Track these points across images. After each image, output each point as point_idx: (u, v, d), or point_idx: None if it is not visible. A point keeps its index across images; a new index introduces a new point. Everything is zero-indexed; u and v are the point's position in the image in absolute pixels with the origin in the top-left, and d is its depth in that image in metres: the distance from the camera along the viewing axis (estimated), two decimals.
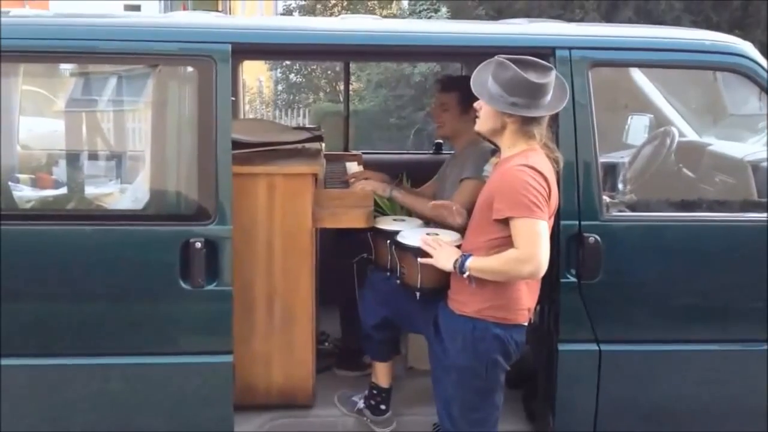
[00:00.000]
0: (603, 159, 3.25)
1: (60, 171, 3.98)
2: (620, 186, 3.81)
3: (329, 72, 13.52)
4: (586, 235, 3.05)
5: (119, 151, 4.17)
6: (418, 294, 3.01)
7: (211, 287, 2.98)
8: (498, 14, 9.52)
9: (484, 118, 2.83)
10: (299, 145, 3.84)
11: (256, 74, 14.62)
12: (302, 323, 3.34)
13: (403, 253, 3.05)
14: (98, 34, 3.05)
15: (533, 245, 2.67)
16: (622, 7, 9.38)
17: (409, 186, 3.80)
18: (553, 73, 2.77)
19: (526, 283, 2.83)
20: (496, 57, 2.78)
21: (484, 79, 2.79)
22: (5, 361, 2.93)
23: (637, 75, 4.54)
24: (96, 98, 4.19)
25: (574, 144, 3.06)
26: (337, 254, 3.80)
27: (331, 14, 12.76)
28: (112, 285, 2.99)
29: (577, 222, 3.06)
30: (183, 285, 2.96)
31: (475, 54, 3.45)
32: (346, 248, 3.65)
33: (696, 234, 3.17)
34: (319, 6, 13.39)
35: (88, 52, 3.07)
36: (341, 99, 9.60)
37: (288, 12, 14.03)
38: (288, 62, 13.31)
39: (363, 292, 3.37)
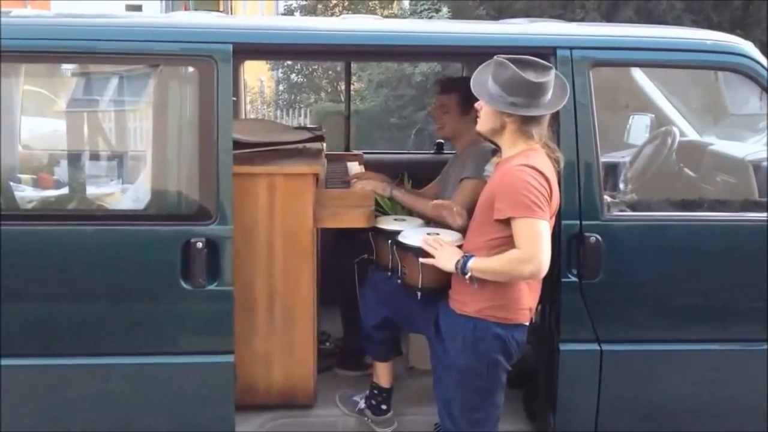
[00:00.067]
0: (604, 159, 3.25)
1: (61, 171, 3.99)
2: (621, 186, 3.81)
3: (330, 72, 13.52)
4: (587, 234, 3.05)
5: (120, 151, 4.17)
6: (419, 294, 3.02)
7: (212, 287, 2.98)
8: (499, 14, 9.52)
9: (484, 118, 2.83)
10: (300, 145, 3.84)
11: (257, 74, 14.63)
12: (303, 323, 3.34)
13: (404, 253, 3.05)
14: (99, 34, 3.05)
15: (534, 245, 2.67)
16: (623, 6, 9.38)
17: (410, 186, 3.80)
18: (553, 72, 2.77)
19: (527, 283, 2.83)
20: (495, 57, 2.78)
21: (484, 80, 2.79)
22: (6, 361, 2.93)
23: (638, 75, 4.54)
24: (97, 98, 4.19)
25: (575, 144, 3.06)
26: (338, 254, 3.80)
27: (332, 14, 12.75)
28: (113, 285, 2.99)
29: (578, 222, 3.06)
30: (184, 285, 2.97)
31: (476, 54, 3.46)
32: (347, 248, 3.65)
33: (697, 234, 3.17)
34: (320, 6, 13.38)
35: (89, 52, 3.07)
36: (342, 99, 9.60)
37: (289, 12, 14.03)
38: (289, 62, 13.31)
39: (364, 292, 3.37)
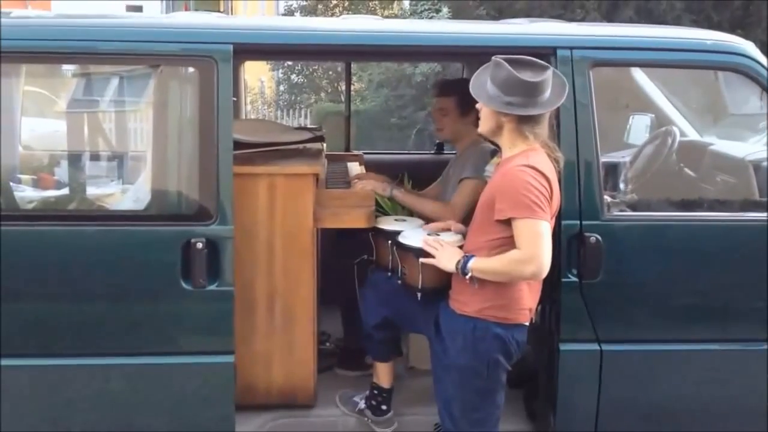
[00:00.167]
0: (604, 159, 3.24)
1: (62, 171, 3.99)
2: (621, 186, 3.80)
3: (331, 72, 13.53)
4: (587, 234, 3.05)
5: (121, 152, 4.17)
6: (419, 294, 3.02)
7: (212, 287, 2.99)
8: (499, 14, 9.53)
9: (483, 119, 2.84)
10: (300, 146, 3.84)
11: (257, 74, 14.64)
12: (303, 323, 3.34)
13: (405, 254, 3.05)
14: (100, 34, 3.06)
15: (535, 246, 2.67)
16: (623, 6, 9.38)
17: (411, 186, 3.80)
18: (549, 71, 2.77)
19: (528, 283, 2.83)
20: (493, 57, 2.78)
21: (483, 81, 2.80)
22: (6, 361, 2.94)
23: (639, 75, 4.54)
24: (97, 99, 4.19)
25: (575, 144, 3.06)
26: (339, 254, 3.80)
27: (333, 14, 12.76)
28: (113, 285, 2.99)
29: (578, 222, 3.06)
30: (184, 285, 2.97)
31: (476, 54, 3.46)
32: (347, 248, 3.65)
33: (697, 234, 3.17)
34: (320, 6, 13.39)
35: (89, 52, 3.08)
36: (342, 99, 9.60)
37: (289, 12, 14.04)
38: (290, 63, 13.32)
39: (364, 292, 3.37)
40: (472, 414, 2.90)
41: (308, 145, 3.89)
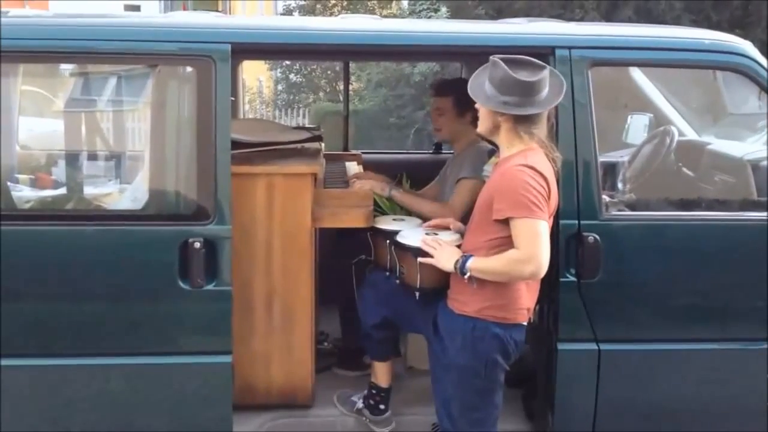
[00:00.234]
0: (602, 158, 3.24)
1: (59, 171, 3.99)
2: (620, 185, 3.80)
3: (329, 72, 13.54)
4: (585, 234, 3.05)
5: (118, 151, 4.17)
6: (417, 294, 3.02)
7: (210, 287, 2.98)
8: (498, 14, 9.53)
9: (481, 119, 2.85)
10: (299, 145, 3.84)
11: (256, 74, 14.63)
12: (302, 323, 3.34)
13: (403, 253, 3.05)
14: (98, 34, 3.05)
15: (534, 245, 2.67)
16: (622, 6, 9.39)
17: (409, 186, 3.80)
18: (546, 71, 2.77)
19: (526, 283, 2.83)
20: (491, 57, 2.78)
21: (481, 81, 2.80)
22: (5, 362, 2.93)
23: (637, 74, 4.54)
24: (95, 98, 4.19)
25: (573, 143, 3.05)
26: (337, 254, 3.80)
27: (331, 14, 12.76)
28: (111, 285, 2.98)
29: (576, 221, 3.06)
30: (182, 285, 2.96)
31: (475, 54, 3.46)
32: (345, 248, 3.65)
33: (695, 233, 3.17)
34: (318, 6, 13.40)
35: (87, 52, 3.07)
36: (341, 99, 9.59)
37: (288, 12, 14.06)
38: (288, 62, 13.32)
39: (362, 292, 3.36)
40: (471, 414, 2.89)
41: (306, 145, 3.89)
